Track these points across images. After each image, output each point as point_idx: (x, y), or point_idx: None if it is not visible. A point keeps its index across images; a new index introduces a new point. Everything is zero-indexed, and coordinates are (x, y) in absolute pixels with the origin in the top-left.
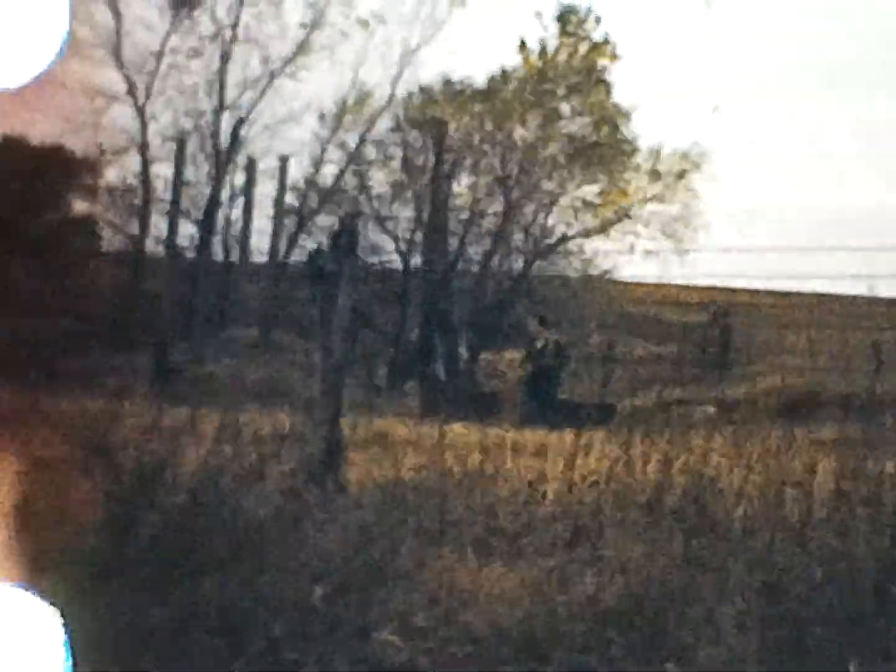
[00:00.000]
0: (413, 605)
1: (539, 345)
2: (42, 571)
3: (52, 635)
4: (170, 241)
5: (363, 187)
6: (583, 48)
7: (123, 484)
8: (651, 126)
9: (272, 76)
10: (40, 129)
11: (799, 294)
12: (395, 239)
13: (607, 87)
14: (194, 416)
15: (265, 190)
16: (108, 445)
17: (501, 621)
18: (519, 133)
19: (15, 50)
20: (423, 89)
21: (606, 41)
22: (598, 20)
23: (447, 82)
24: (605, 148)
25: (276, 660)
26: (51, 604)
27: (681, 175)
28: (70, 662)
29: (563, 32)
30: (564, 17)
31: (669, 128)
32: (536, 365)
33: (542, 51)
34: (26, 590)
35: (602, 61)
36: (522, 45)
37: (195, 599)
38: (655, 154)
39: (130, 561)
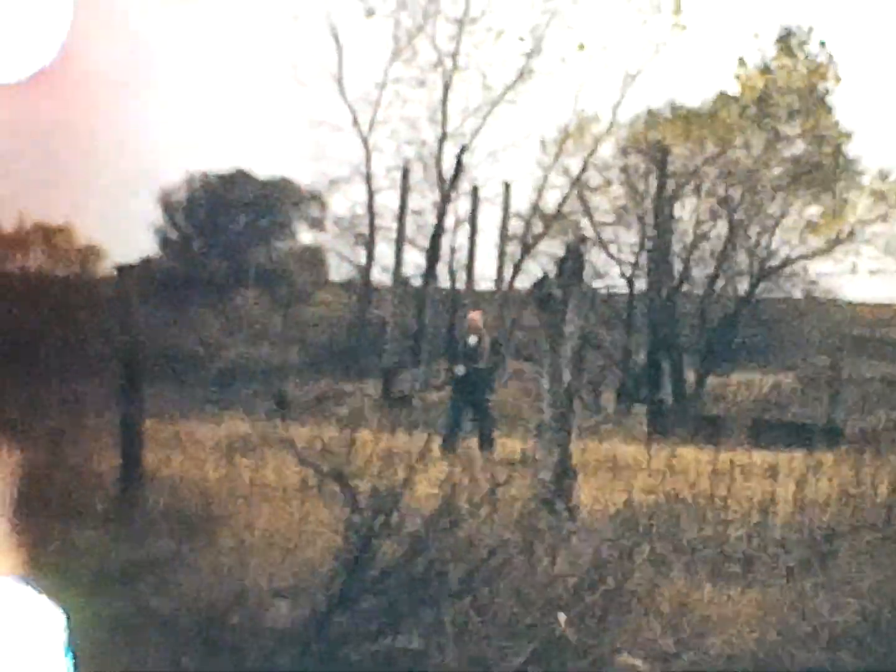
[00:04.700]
0: (648, 630)
1: (472, 342)
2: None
3: (53, 631)
4: (396, 269)
5: (586, 212)
6: (804, 69)
7: (360, 511)
8: (874, 146)
9: (493, 103)
10: (267, 162)
11: None
12: (619, 263)
13: (829, 108)
14: (426, 442)
15: (489, 216)
16: (344, 472)
17: (737, 644)
18: (741, 155)
19: None
20: (644, 113)
21: (829, 62)
22: (822, 43)
23: (669, 106)
24: (827, 169)
25: None
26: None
27: None
28: (72, 659)
29: (784, 54)
30: (785, 38)
31: (893, 148)
32: (468, 365)
33: (764, 73)
34: (28, 585)
35: (824, 83)
36: (742, 66)
37: (432, 626)
38: (880, 175)
39: (368, 588)
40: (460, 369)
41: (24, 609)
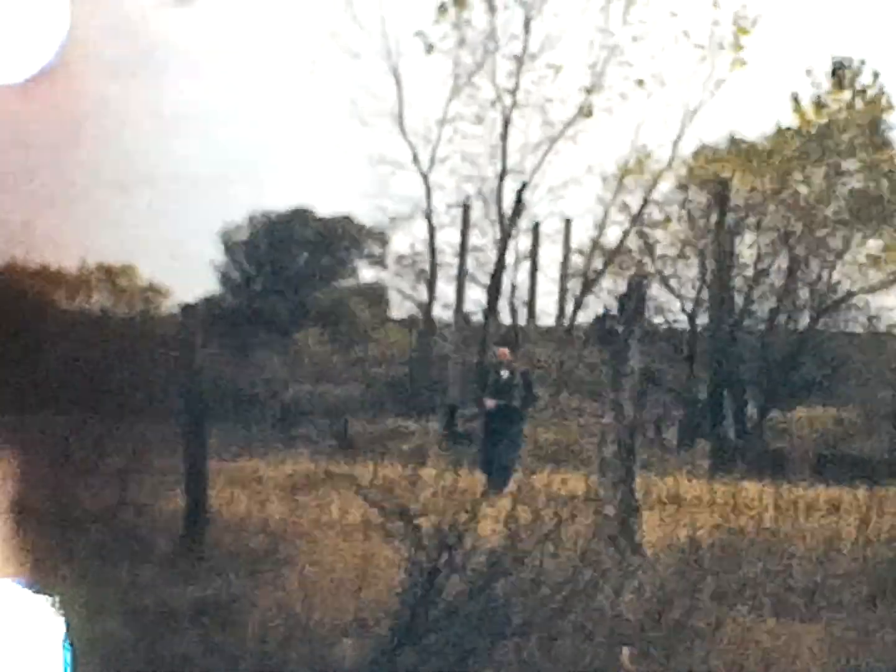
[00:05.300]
0: (713, 666)
1: (504, 376)
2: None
3: (52, 632)
4: (457, 305)
5: (647, 248)
6: (859, 102)
7: (424, 548)
8: None
9: (553, 140)
10: (328, 200)
11: None
12: (680, 298)
13: (888, 140)
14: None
15: (550, 253)
16: (408, 509)
17: None
18: (802, 189)
19: None
20: (704, 148)
21: (882, 93)
22: (876, 74)
23: (728, 141)
24: (888, 203)
25: None
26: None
27: None
28: (70, 660)
29: (838, 87)
30: (838, 71)
31: None
32: (501, 401)
33: (819, 106)
34: (27, 586)
35: (881, 115)
36: (797, 101)
37: (497, 663)
38: None
39: (432, 625)
40: (490, 404)
41: (23, 613)
